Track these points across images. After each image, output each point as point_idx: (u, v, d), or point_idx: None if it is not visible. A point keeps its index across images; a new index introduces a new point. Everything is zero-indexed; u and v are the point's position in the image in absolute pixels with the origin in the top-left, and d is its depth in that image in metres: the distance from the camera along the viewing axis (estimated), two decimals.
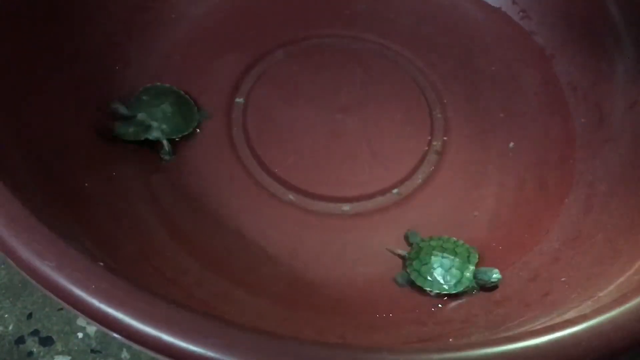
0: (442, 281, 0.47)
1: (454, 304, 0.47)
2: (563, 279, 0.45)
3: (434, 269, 0.47)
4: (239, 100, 0.57)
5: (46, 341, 0.47)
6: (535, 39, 0.60)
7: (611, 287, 0.37)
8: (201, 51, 0.59)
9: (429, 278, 0.47)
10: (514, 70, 0.59)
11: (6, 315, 0.48)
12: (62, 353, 0.47)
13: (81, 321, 0.48)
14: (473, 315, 0.46)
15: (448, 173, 0.55)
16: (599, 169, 0.52)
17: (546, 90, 0.58)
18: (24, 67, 0.46)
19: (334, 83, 0.58)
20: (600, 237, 0.46)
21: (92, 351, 0.47)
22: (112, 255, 0.41)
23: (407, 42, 0.61)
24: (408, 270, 0.48)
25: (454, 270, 0.47)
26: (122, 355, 0.47)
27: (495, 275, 0.47)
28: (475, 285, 0.47)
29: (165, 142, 0.52)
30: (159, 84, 0.55)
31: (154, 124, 0.52)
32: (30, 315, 0.48)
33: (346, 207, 0.53)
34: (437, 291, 0.47)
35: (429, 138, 0.56)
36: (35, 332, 0.48)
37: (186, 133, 0.53)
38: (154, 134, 0.52)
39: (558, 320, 0.36)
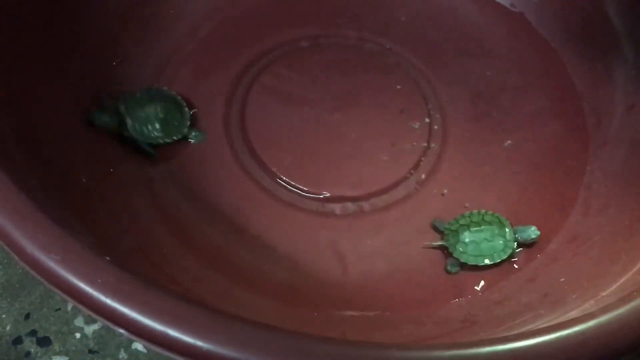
0: (492, 252, 0.48)
1: (453, 303, 0.48)
2: (562, 280, 0.45)
3: (479, 244, 0.48)
4: (238, 99, 0.56)
5: (44, 341, 0.47)
6: (534, 42, 0.60)
7: (614, 287, 0.37)
8: (199, 48, 0.59)
9: (479, 255, 0.48)
10: (513, 71, 0.60)
11: (3, 316, 0.48)
12: (59, 353, 0.47)
13: (79, 321, 0.48)
14: (473, 315, 0.46)
15: (446, 173, 0.55)
16: (597, 171, 0.52)
17: (544, 92, 0.58)
18: (21, 61, 0.46)
19: (332, 83, 0.58)
20: (599, 239, 0.47)
21: (90, 351, 0.47)
22: (109, 252, 0.41)
23: (404, 42, 0.61)
24: (455, 255, 0.49)
25: (496, 238, 0.48)
26: (120, 356, 0.47)
27: (534, 230, 0.49)
28: (515, 247, 0.49)
29: (142, 145, 0.51)
30: (164, 88, 0.54)
31: (129, 121, 0.50)
32: (27, 316, 0.48)
33: (346, 206, 0.52)
34: (491, 262, 0.48)
35: (428, 138, 0.56)
36: (32, 333, 0.47)
37: (160, 143, 0.51)
38: (126, 132, 0.50)
39: (562, 319, 0.36)
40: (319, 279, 0.48)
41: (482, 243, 0.48)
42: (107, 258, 0.30)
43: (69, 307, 0.48)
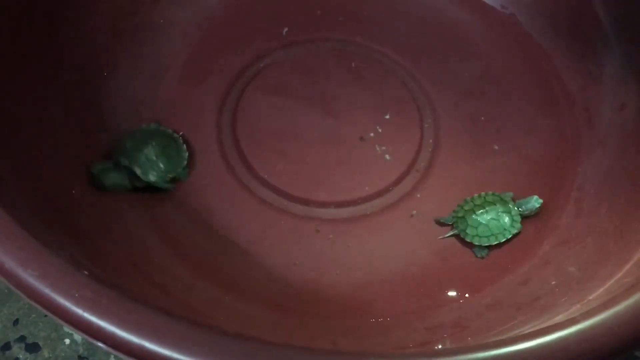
0: (502, 229, 0.50)
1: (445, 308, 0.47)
2: (553, 282, 0.45)
3: (487, 225, 0.50)
4: (229, 106, 0.57)
5: (33, 347, 0.47)
6: (525, 42, 0.60)
7: (600, 291, 0.37)
8: (190, 56, 0.59)
9: (490, 235, 0.50)
10: (505, 73, 0.59)
11: None
12: (48, 359, 0.47)
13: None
14: (464, 320, 0.46)
15: (440, 176, 0.54)
16: (589, 171, 0.52)
17: (535, 93, 0.58)
18: (10, 74, 0.46)
19: (324, 88, 0.58)
20: (590, 240, 0.46)
21: (80, 357, 0.47)
22: (99, 263, 0.41)
23: (396, 46, 0.61)
24: (469, 240, 0.50)
25: (502, 216, 0.50)
26: None
27: (536, 200, 0.50)
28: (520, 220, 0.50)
29: (160, 185, 0.50)
30: (143, 126, 0.53)
31: (138, 170, 0.50)
32: (16, 322, 0.48)
33: (338, 212, 0.52)
34: (504, 239, 0.50)
35: (420, 142, 0.56)
36: (21, 339, 0.47)
37: (174, 175, 0.51)
38: (139, 183, 0.50)
39: (548, 324, 0.36)
40: (310, 286, 0.48)
41: (490, 223, 0.50)
42: (86, 272, 0.30)
43: None
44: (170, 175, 0.51)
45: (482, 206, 0.51)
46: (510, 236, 0.50)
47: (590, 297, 0.37)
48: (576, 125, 0.55)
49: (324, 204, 0.53)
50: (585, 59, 0.56)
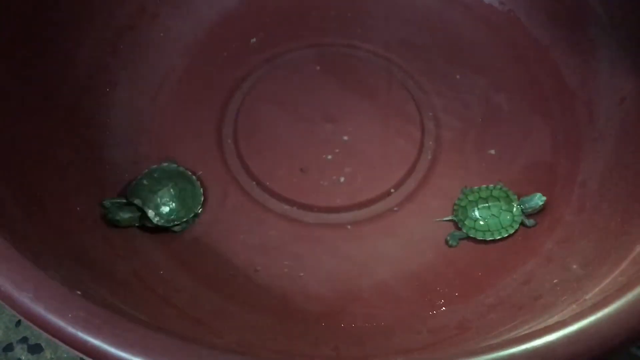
0: (499, 227, 0.50)
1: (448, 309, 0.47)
2: (555, 281, 0.45)
3: (486, 220, 0.50)
4: (231, 113, 0.57)
5: (35, 349, 0.47)
6: (524, 38, 0.59)
7: (596, 290, 0.37)
8: (190, 68, 0.59)
9: (486, 230, 0.50)
10: (504, 71, 0.59)
11: None
12: None
13: None
14: (467, 321, 0.46)
15: (441, 177, 0.55)
16: (591, 167, 0.51)
17: (536, 89, 0.58)
18: (9, 94, 0.47)
19: (323, 93, 0.59)
20: (592, 237, 0.46)
21: (82, 359, 0.47)
22: (101, 279, 0.42)
23: (395, 48, 0.61)
24: (465, 230, 0.51)
25: (503, 214, 0.50)
26: None
27: (540, 197, 0.50)
28: (525, 218, 0.50)
29: (168, 226, 0.50)
30: (164, 164, 0.53)
31: (150, 212, 0.49)
32: (19, 323, 0.48)
33: (340, 217, 0.53)
34: (499, 237, 0.50)
35: (420, 144, 0.56)
36: (24, 340, 0.48)
37: (184, 219, 0.50)
38: (150, 224, 0.49)
39: (545, 324, 0.36)
40: (312, 291, 0.49)
41: (489, 219, 0.50)
42: (79, 292, 0.30)
43: None
44: (183, 220, 0.50)
45: (486, 200, 0.51)
46: (506, 235, 0.50)
47: (587, 297, 0.37)
48: (577, 121, 0.54)
49: (325, 210, 0.53)
50: (585, 53, 0.55)
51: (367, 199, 0.53)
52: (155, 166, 0.53)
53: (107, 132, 0.54)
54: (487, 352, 0.30)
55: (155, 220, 0.49)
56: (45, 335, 0.30)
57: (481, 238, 0.50)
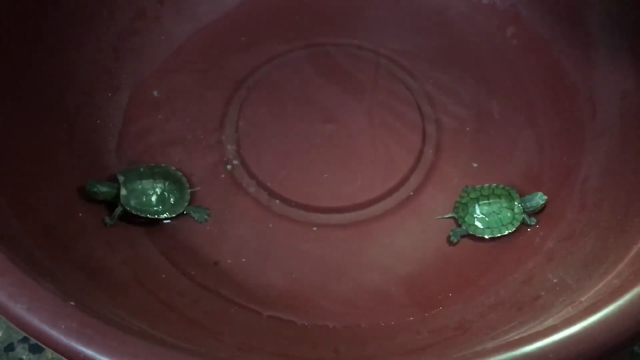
0: (499, 225, 0.50)
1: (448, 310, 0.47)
2: (555, 281, 0.44)
3: (487, 217, 0.50)
4: (231, 114, 0.57)
5: (36, 348, 0.47)
6: (525, 33, 0.59)
7: (592, 292, 0.37)
8: (191, 70, 0.60)
9: (487, 227, 0.50)
10: (506, 66, 0.59)
11: None
12: None
13: None
14: (467, 322, 0.46)
15: (442, 178, 0.54)
16: (593, 163, 0.51)
17: (539, 85, 0.57)
18: (13, 99, 0.47)
19: (323, 93, 0.58)
20: (593, 236, 0.46)
21: None
22: (102, 284, 0.42)
23: (395, 47, 0.61)
24: (465, 227, 0.51)
25: (504, 212, 0.50)
26: None
27: (541, 196, 0.50)
28: (526, 217, 0.50)
29: (117, 209, 0.49)
30: (172, 168, 0.53)
31: (123, 192, 0.49)
32: None
33: (340, 217, 0.53)
34: (499, 235, 0.50)
35: (422, 144, 0.56)
36: (25, 339, 0.48)
37: (155, 217, 0.50)
38: (118, 201, 0.49)
39: (543, 326, 0.36)
40: (313, 293, 0.49)
41: (490, 216, 0.50)
42: (72, 303, 0.31)
43: None
44: (147, 215, 0.50)
45: (487, 197, 0.51)
46: (506, 232, 0.50)
47: (582, 299, 0.36)
48: (580, 116, 0.54)
49: (327, 210, 0.53)
50: (588, 47, 0.55)
51: (368, 199, 0.53)
52: (163, 165, 0.53)
53: (109, 137, 0.54)
54: (481, 357, 0.30)
55: (122, 200, 0.49)
56: (41, 345, 0.31)
57: (481, 235, 0.50)
